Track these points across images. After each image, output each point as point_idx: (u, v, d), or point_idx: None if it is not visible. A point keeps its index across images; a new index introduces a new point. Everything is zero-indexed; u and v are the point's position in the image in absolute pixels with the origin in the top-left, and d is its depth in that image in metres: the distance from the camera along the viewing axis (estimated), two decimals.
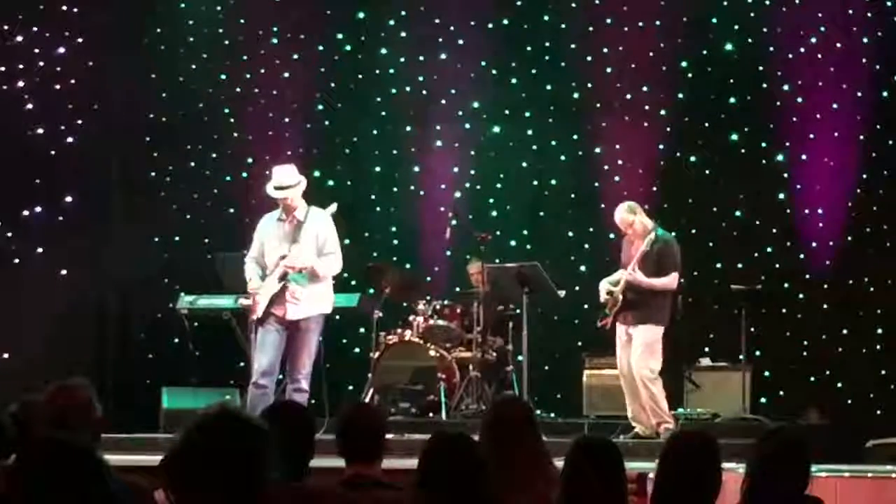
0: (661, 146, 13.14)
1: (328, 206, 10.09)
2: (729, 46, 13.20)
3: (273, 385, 9.80)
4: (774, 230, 12.97)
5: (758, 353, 12.20)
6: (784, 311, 12.74)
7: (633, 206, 10.40)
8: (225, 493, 3.14)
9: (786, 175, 13.01)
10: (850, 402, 12.37)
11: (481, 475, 4.36)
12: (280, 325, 9.75)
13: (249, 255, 10.04)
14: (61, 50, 12.96)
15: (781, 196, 12.99)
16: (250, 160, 13.13)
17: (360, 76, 13.74)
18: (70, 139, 12.92)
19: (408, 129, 13.70)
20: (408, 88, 13.64)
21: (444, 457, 4.42)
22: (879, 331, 12.57)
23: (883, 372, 12.41)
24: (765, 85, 13.05)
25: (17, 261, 12.68)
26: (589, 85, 13.39)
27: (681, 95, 13.22)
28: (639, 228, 10.29)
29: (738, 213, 13.01)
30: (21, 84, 12.84)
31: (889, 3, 12.83)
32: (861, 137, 12.79)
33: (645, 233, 10.24)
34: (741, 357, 11.64)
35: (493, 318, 11.95)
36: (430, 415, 11.41)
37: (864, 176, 12.78)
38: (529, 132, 13.53)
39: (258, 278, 9.85)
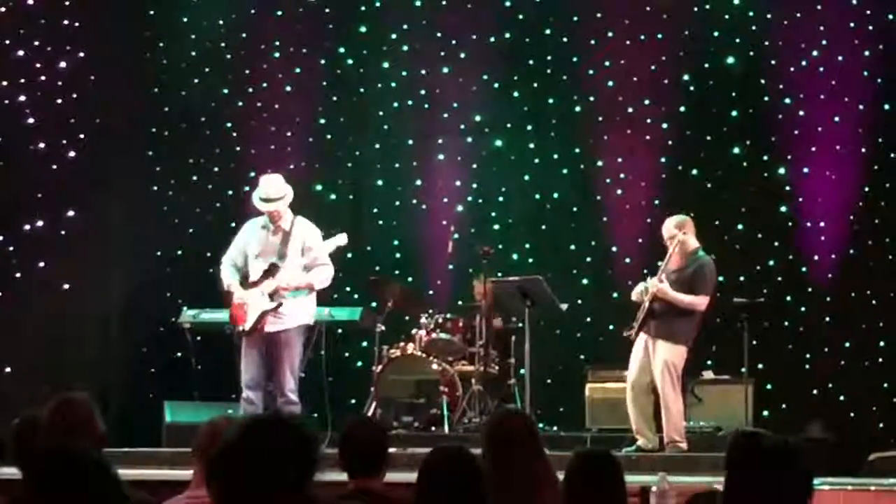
0: (662, 159, 13.12)
1: (337, 234, 10.27)
2: (731, 60, 13.19)
3: (260, 397, 9.84)
4: (776, 243, 12.96)
5: (760, 366, 12.15)
6: (786, 324, 12.72)
7: (682, 223, 10.19)
8: (269, 495, 3.18)
9: (787, 188, 13.00)
10: (852, 414, 12.35)
11: (481, 489, 4.35)
12: (260, 338, 9.81)
13: (227, 256, 10.05)
14: (63, 64, 12.98)
15: (783, 209, 12.98)
16: (252, 174, 13.11)
17: (361, 90, 13.74)
18: (72, 153, 12.95)
19: (410, 142, 13.70)
20: (409, 102, 13.64)
21: (443, 471, 4.42)
22: (881, 343, 12.55)
23: (885, 385, 12.38)
24: (766, 98, 13.05)
25: (18, 275, 12.69)
26: (591, 98, 13.39)
27: (682, 109, 13.21)
28: (679, 247, 10.12)
29: (739, 227, 12.99)
30: (23, 98, 12.87)
31: (891, 17, 12.84)
32: (863, 150, 12.78)
33: (684, 253, 10.11)
34: (743, 370, 11.60)
35: (495, 331, 11.94)
36: (433, 428, 11.38)
37: (866, 189, 12.76)
38: (531, 146, 13.53)
39: (237, 283, 9.88)
